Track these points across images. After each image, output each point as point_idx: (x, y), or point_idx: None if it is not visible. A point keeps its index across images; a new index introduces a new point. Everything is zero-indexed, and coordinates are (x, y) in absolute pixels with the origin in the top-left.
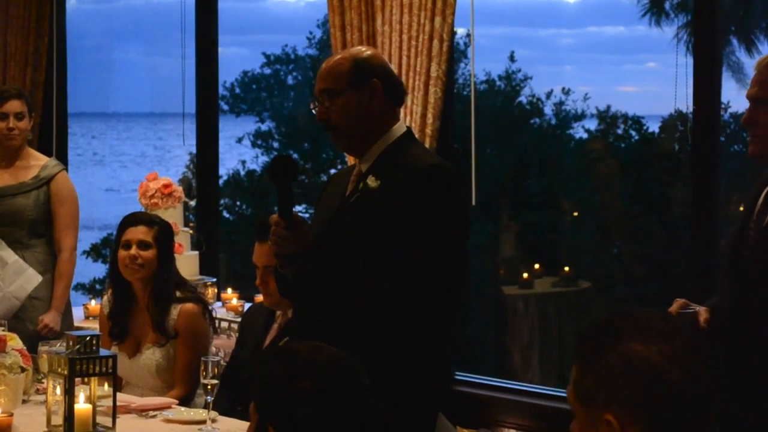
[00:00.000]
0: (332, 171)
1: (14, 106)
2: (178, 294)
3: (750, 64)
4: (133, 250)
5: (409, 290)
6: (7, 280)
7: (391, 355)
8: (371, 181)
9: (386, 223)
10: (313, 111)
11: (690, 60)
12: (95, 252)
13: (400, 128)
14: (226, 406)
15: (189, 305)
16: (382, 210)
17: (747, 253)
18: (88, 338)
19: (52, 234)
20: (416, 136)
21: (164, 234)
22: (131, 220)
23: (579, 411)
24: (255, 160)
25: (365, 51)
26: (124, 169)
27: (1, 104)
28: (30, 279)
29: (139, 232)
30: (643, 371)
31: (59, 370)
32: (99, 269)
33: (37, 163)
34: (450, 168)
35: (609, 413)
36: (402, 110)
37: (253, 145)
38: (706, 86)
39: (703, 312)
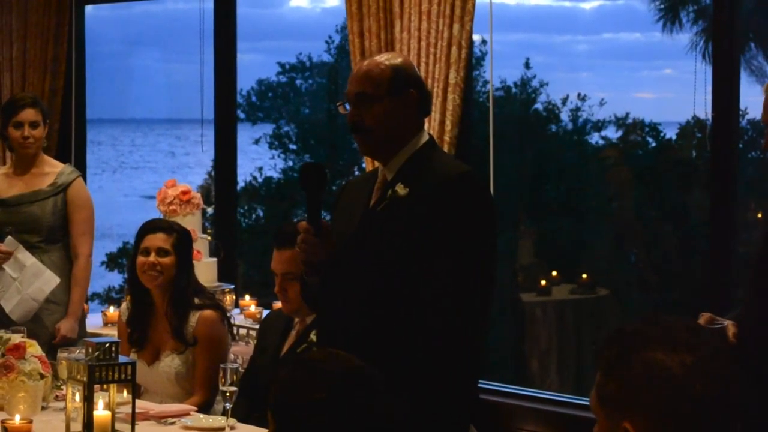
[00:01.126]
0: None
1: (29, 114)
2: (196, 301)
3: None
4: (152, 257)
5: (440, 298)
6: (25, 282)
7: (421, 363)
8: (400, 189)
9: (417, 231)
10: (343, 112)
11: (706, 66)
12: (112, 261)
13: (423, 136)
14: (245, 412)
15: (208, 312)
16: (413, 217)
17: None
18: (107, 345)
19: (68, 240)
20: None
21: (183, 241)
22: (150, 227)
23: (600, 416)
24: (273, 167)
25: (400, 58)
26: (142, 175)
27: (16, 113)
28: (48, 281)
29: (158, 239)
30: (664, 381)
31: (78, 376)
32: (115, 278)
33: (53, 170)
34: (477, 176)
35: (627, 421)
36: None
37: (271, 146)
38: (725, 93)
39: (730, 326)
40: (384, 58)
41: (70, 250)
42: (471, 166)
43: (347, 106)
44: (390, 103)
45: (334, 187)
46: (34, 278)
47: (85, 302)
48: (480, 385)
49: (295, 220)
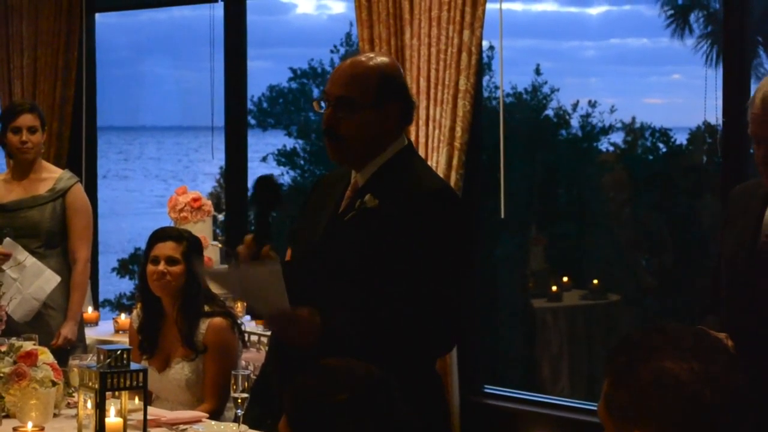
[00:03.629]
0: None
1: (27, 120)
2: (206, 308)
3: None
4: (161, 266)
5: (408, 315)
6: (25, 282)
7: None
8: (370, 201)
9: (386, 245)
10: (318, 110)
11: (714, 71)
12: (123, 268)
13: (401, 142)
14: (256, 419)
15: (217, 319)
16: (382, 232)
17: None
18: (118, 352)
19: (66, 245)
20: (445, 149)
21: (193, 249)
22: (159, 235)
23: (608, 425)
24: (283, 174)
25: (387, 61)
26: (153, 183)
27: (14, 118)
28: (48, 280)
29: (167, 248)
30: (673, 389)
31: (90, 384)
32: (126, 285)
33: (51, 175)
34: (453, 192)
35: (637, 430)
36: (430, 123)
37: (279, 163)
38: (736, 98)
39: (724, 338)
40: (370, 62)
41: (68, 255)
42: (476, 172)
43: (323, 105)
44: (371, 115)
45: None
46: (35, 278)
47: (88, 307)
48: (491, 391)
49: None
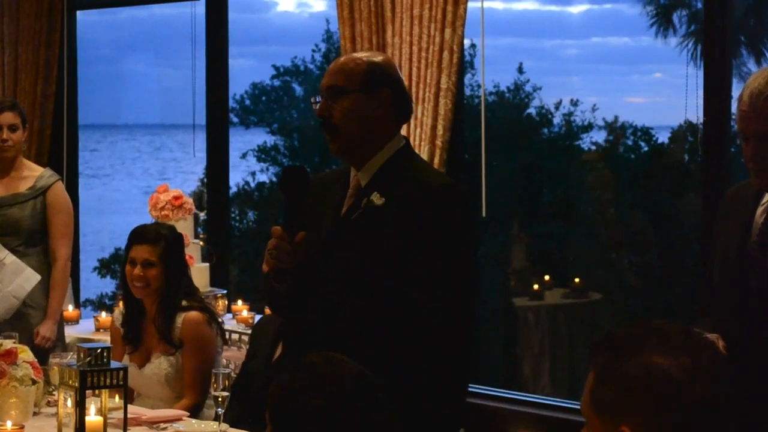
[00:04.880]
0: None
1: (7, 118)
2: (183, 303)
3: None
4: (138, 270)
5: (422, 309)
6: (5, 280)
7: (400, 372)
8: (376, 199)
9: (396, 243)
10: (315, 106)
11: (696, 70)
12: (104, 267)
13: (398, 141)
14: (237, 417)
15: (193, 313)
16: (392, 228)
17: (757, 281)
18: (99, 350)
19: (47, 243)
20: (426, 147)
21: (171, 249)
22: (137, 238)
23: (593, 420)
24: (265, 171)
25: (380, 57)
26: (134, 181)
27: None
28: (28, 278)
29: (143, 251)
30: (664, 384)
31: (70, 382)
32: (108, 284)
33: (32, 173)
34: (458, 186)
35: (625, 425)
36: (412, 121)
37: (259, 160)
38: (717, 97)
39: (715, 339)
40: (364, 55)
41: (49, 254)
42: (457, 171)
43: (318, 99)
44: (360, 99)
45: None
46: (14, 276)
47: (68, 305)
48: (472, 389)
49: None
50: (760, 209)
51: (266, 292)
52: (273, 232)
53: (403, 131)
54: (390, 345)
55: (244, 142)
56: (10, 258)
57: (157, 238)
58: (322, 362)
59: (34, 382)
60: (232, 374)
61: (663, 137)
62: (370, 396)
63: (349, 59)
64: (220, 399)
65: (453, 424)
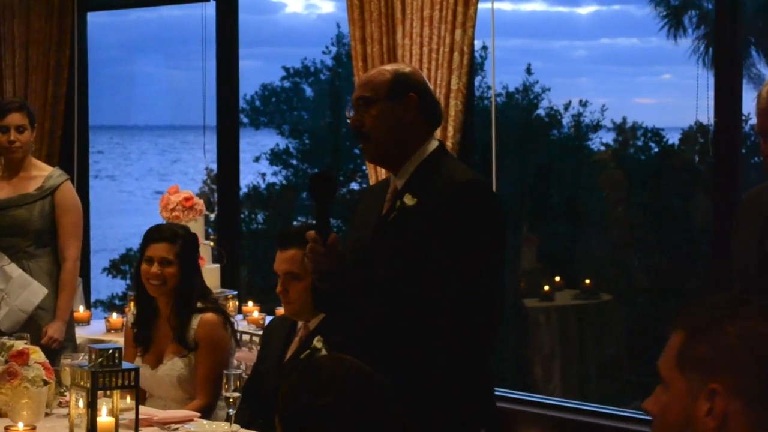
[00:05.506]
0: (352, 185)
1: (15, 119)
2: (199, 305)
3: None
4: (155, 268)
5: (451, 304)
6: (12, 294)
7: (434, 370)
8: (408, 200)
9: (426, 240)
10: (348, 119)
11: (707, 71)
12: (115, 268)
13: (432, 143)
14: (248, 418)
15: (209, 315)
16: (421, 227)
17: None
18: (110, 351)
19: (56, 244)
20: None
21: (187, 248)
22: (154, 236)
23: (676, 379)
24: (277, 173)
25: (407, 68)
26: (145, 182)
27: (2, 117)
28: (36, 292)
29: (161, 249)
30: (761, 345)
31: (82, 383)
32: (119, 285)
33: (41, 173)
34: (484, 182)
35: (716, 383)
36: None
37: (271, 163)
38: (727, 98)
39: None
40: (390, 66)
41: (59, 254)
42: (479, 174)
43: (351, 112)
44: (387, 106)
45: (342, 194)
46: (21, 289)
47: (78, 306)
48: None
49: (294, 223)
50: None
51: (311, 291)
52: (307, 237)
53: None
54: (418, 342)
55: (254, 142)
56: (17, 271)
57: (174, 236)
58: (332, 363)
59: (45, 382)
60: (244, 375)
61: (673, 138)
62: (380, 396)
63: (376, 71)
64: (231, 400)
65: (477, 424)
